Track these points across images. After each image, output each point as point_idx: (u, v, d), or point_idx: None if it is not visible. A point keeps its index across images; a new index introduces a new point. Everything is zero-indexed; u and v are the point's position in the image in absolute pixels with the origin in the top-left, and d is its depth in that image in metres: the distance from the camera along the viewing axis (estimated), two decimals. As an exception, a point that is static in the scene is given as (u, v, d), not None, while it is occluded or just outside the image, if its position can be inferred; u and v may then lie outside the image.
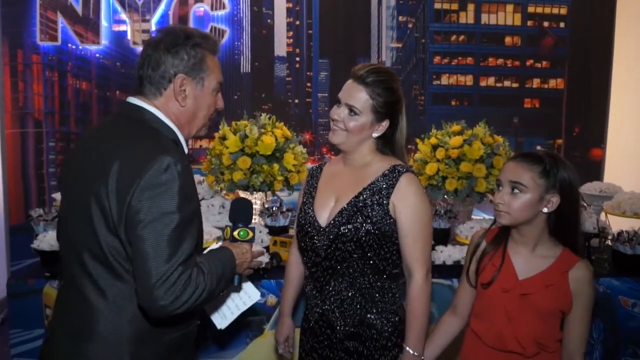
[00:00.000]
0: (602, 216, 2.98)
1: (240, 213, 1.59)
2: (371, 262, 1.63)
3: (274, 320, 2.33)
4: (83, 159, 1.40)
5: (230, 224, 1.58)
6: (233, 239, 1.54)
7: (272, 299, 2.37)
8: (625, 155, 4.41)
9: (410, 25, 4.45)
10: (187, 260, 1.28)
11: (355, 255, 1.62)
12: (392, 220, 1.62)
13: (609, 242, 2.73)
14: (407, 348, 1.64)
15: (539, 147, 4.65)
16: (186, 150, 1.46)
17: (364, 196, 1.64)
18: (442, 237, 2.72)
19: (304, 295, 1.90)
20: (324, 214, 1.68)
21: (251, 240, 1.55)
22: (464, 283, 1.76)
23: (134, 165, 1.27)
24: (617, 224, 2.97)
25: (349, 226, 1.61)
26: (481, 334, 1.67)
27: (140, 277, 1.25)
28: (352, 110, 1.63)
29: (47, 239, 2.43)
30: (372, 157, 1.70)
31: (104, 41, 4.20)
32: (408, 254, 1.62)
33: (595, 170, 4.49)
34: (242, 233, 1.54)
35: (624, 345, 2.56)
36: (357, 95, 1.62)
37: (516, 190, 1.55)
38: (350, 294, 1.66)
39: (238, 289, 1.66)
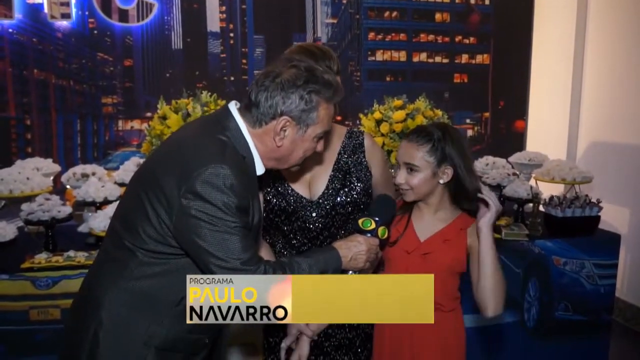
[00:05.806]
0: (532, 183, 3.18)
1: (378, 207, 1.57)
2: None
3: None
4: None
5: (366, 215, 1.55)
6: (357, 228, 1.52)
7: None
8: (545, 126, 4.72)
9: (344, 1, 4.45)
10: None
11: (352, 217, 1.69)
12: (370, 174, 1.72)
13: (542, 207, 2.92)
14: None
15: (468, 121, 4.86)
16: (260, 172, 1.43)
17: (344, 159, 1.71)
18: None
19: None
20: (304, 190, 1.67)
21: (373, 232, 1.51)
22: None
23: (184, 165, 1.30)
24: (547, 189, 3.19)
25: (345, 189, 1.67)
26: None
27: None
28: None
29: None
30: None
31: (18, 15, 3.84)
32: None
33: (518, 141, 4.77)
34: (365, 222, 1.52)
35: (557, 301, 2.79)
36: None
37: (411, 170, 1.65)
38: None
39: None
